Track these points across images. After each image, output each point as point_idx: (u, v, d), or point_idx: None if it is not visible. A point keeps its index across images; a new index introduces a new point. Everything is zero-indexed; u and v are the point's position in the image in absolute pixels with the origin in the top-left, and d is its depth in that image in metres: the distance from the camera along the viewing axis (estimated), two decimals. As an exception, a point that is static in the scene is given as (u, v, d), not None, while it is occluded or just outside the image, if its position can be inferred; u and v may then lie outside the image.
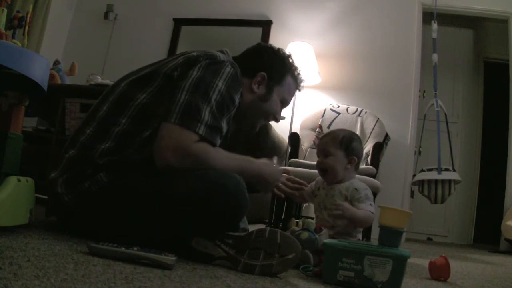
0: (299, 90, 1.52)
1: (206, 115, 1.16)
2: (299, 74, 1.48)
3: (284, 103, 1.47)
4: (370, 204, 1.44)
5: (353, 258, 1.05)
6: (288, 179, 1.49)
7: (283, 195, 1.46)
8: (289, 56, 1.47)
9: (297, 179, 1.52)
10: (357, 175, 1.57)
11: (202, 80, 1.19)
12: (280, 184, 1.45)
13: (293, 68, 1.46)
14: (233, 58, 1.41)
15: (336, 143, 1.50)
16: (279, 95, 1.43)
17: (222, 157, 1.22)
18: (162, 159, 1.14)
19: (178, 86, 1.19)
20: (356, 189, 1.45)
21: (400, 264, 1.05)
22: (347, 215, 1.39)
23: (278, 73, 1.42)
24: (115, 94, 1.27)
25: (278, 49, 1.47)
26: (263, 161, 1.36)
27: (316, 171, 1.55)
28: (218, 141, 1.22)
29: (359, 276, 1.05)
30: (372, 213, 1.43)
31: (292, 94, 1.48)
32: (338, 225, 1.44)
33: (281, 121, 3.20)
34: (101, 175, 1.17)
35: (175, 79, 1.21)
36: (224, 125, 1.23)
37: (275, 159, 1.50)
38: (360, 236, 1.51)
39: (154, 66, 1.29)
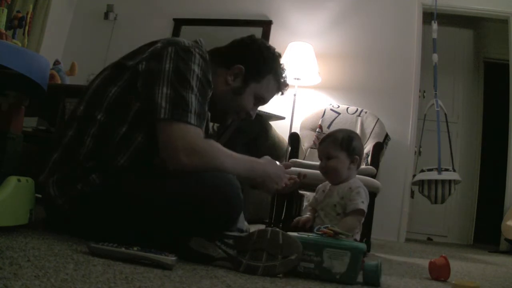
0: (282, 94, 1.47)
1: (193, 103, 1.16)
2: (283, 77, 1.44)
3: (260, 100, 1.41)
4: (362, 202, 1.44)
5: (313, 250, 1.10)
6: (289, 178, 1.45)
7: (286, 191, 1.43)
8: (278, 57, 1.42)
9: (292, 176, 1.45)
10: (357, 176, 1.57)
11: (178, 69, 1.18)
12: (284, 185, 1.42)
13: (278, 70, 1.41)
14: (219, 47, 1.40)
15: (336, 145, 1.50)
16: (255, 92, 1.38)
17: (228, 156, 1.22)
18: (174, 162, 1.14)
19: (155, 80, 1.17)
20: (350, 188, 1.47)
21: (356, 256, 1.09)
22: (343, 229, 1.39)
23: (258, 70, 1.36)
24: (89, 93, 1.27)
25: (269, 47, 1.41)
26: (266, 159, 1.36)
27: (316, 171, 1.54)
28: (203, 126, 1.21)
29: (319, 268, 1.09)
30: (360, 208, 1.42)
31: (271, 94, 1.43)
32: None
33: (281, 121, 3.21)
34: (93, 176, 1.17)
35: (140, 73, 1.20)
36: (206, 109, 1.24)
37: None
38: (358, 236, 1.51)
39: (120, 60, 1.28)
